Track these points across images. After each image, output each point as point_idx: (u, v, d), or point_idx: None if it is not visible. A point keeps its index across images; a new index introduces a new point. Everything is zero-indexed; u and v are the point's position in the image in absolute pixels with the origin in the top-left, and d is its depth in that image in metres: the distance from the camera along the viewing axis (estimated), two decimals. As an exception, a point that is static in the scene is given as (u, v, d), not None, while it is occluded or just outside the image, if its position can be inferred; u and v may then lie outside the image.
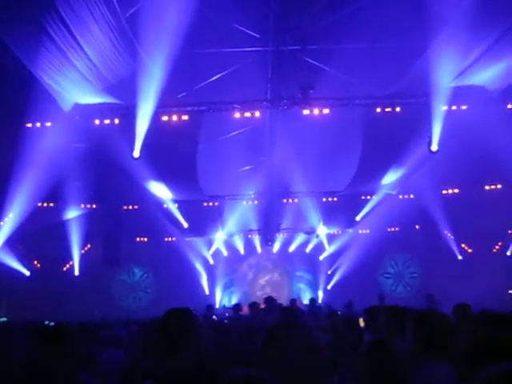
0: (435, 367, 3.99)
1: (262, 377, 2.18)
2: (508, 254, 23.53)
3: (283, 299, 19.12)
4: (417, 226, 24.67)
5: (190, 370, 3.46)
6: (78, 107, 13.83)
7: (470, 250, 24.65)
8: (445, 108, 13.95)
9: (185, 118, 14.59)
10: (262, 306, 12.03)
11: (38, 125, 14.12)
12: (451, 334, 4.14)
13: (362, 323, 6.87)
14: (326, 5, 11.90)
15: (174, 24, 10.91)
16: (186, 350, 3.66)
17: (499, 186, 20.64)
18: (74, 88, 12.90)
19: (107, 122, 14.37)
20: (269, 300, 12.44)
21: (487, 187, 20.77)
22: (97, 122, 14.39)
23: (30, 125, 14.08)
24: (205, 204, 22.17)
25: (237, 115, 14.72)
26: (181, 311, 3.99)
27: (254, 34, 12.79)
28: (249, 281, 27.69)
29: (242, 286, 27.38)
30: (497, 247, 24.46)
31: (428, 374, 3.99)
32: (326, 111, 14.50)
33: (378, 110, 14.70)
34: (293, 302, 14.78)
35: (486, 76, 13.40)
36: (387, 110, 14.63)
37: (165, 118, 14.46)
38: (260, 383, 2.18)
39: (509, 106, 14.52)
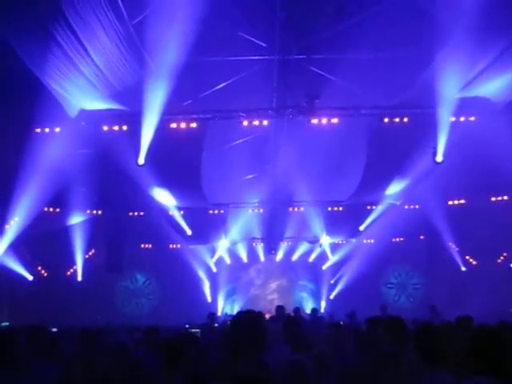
0: (436, 376, 4.00)
1: None
2: (512, 266, 23.40)
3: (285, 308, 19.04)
4: (421, 237, 24.59)
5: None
6: (84, 113, 13.90)
7: (473, 262, 24.52)
8: (450, 119, 13.95)
9: (190, 125, 14.63)
10: (267, 316, 12.00)
11: (45, 130, 14.19)
12: (451, 345, 4.16)
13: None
14: (332, 14, 11.95)
15: (181, 32, 10.97)
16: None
17: (505, 198, 20.58)
18: (81, 94, 12.97)
19: (113, 128, 14.43)
20: (279, 309, 12.44)
21: (493, 198, 20.69)
22: (103, 128, 14.45)
23: (36, 130, 14.15)
24: (209, 212, 22.16)
25: (242, 123, 14.75)
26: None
27: (261, 43, 12.84)
28: (251, 289, 27.63)
29: (245, 295, 27.31)
30: (501, 259, 24.33)
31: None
32: (331, 121, 14.51)
33: (384, 120, 14.70)
34: (296, 310, 14.73)
35: (492, 88, 13.41)
36: (392, 120, 14.64)
37: (170, 126, 14.50)
38: None
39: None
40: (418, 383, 4.10)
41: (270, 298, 27.00)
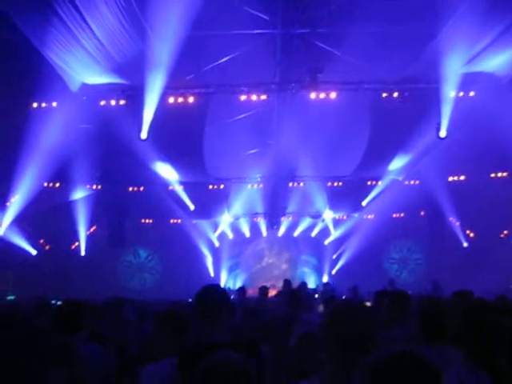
0: (434, 350, 4.03)
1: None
2: (513, 242, 23.46)
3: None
4: (422, 213, 24.62)
5: (229, 340, 3.56)
6: (85, 87, 13.82)
7: (475, 237, 24.60)
8: (454, 94, 13.87)
9: (192, 99, 14.57)
10: (272, 290, 12.12)
11: (46, 104, 14.13)
12: (449, 320, 4.18)
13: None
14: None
15: (183, 5, 10.86)
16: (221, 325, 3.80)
17: (505, 174, 20.55)
18: (82, 68, 12.89)
19: (114, 102, 14.37)
20: (286, 283, 12.56)
21: (493, 175, 20.68)
22: (104, 102, 14.39)
23: (37, 104, 14.09)
24: (211, 186, 22.16)
25: (244, 98, 14.68)
26: (215, 287, 4.22)
27: (264, 17, 12.71)
28: (254, 264, 27.77)
29: (247, 269, 27.46)
30: (502, 235, 24.40)
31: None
32: (334, 95, 14.44)
33: (387, 94, 14.63)
34: (303, 285, 14.79)
35: (496, 63, 13.30)
36: (396, 95, 14.56)
37: (172, 100, 14.44)
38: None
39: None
40: None
41: (272, 272, 27.14)
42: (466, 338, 3.61)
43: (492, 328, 3.54)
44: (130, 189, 21.97)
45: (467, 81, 13.79)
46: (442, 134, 14.04)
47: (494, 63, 13.39)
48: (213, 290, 4.06)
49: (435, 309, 4.34)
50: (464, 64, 13.06)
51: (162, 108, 13.79)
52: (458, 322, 3.75)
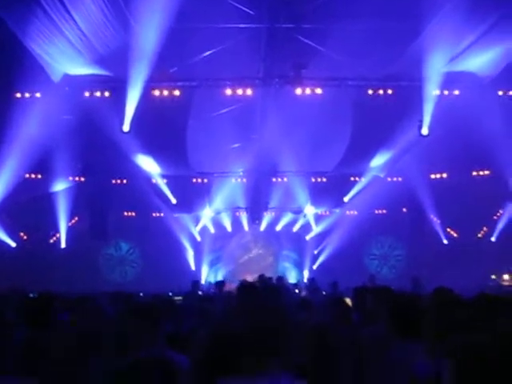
0: (406, 347, 4.08)
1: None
2: (492, 239, 23.73)
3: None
4: (404, 209, 24.80)
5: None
6: (67, 78, 13.69)
7: (455, 235, 24.86)
8: (437, 92, 13.97)
9: (176, 93, 14.51)
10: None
11: (27, 95, 13.98)
12: (423, 316, 4.23)
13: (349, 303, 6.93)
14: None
15: (168, -3, 10.80)
16: None
17: (487, 172, 20.76)
18: (65, 59, 12.77)
19: (97, 94, 14.27)
20: (260, 278, 12.60)
21: (475, 173, 20.88)
22: (87, 93, 14.27)
23: (19, 95, 13.93)
24: (193, 180, 22.09)
25: (228, 92, 14.65)
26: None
27: (249, 11, 12.68)
28: (235, 258, 27.78)
29: (228, 264, 27.47)
30: (482, 232, 24.67)
31: (398, 354, 4.07)
32: (317, 91, 14.47)
33: (370, 91, 14.69)
34: (279, 279, 14.85)
35: (479, 62, 13.43)
36: (379, 92, 14.63)
37: (156, 93, 14.37)
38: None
39: (499, 93, 14.56)
40: (386, 354, 4.19)
41: (253, 267, 27.17)
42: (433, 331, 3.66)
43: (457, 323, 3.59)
44: (113, 181, 21.84)
45: (450, 79, 13.90)
46: (424, 131, 14.15)
47: (476, 63, 13.52)
48: None
49: (404, 305, 4.39)
50: (447, 63, 13.16)
51: (145, 100, 13.72)
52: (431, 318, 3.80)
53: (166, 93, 14.42)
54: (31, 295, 9.31)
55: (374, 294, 5.84)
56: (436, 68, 13.05)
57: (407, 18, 11.74)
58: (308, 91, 14.36)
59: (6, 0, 10.08)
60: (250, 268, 26.86)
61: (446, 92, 14.40)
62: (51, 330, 4.41)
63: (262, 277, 13.10)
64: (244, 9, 12.59)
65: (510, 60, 12.88)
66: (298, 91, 14.34)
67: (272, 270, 26.08)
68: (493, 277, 23.10)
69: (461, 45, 12.58)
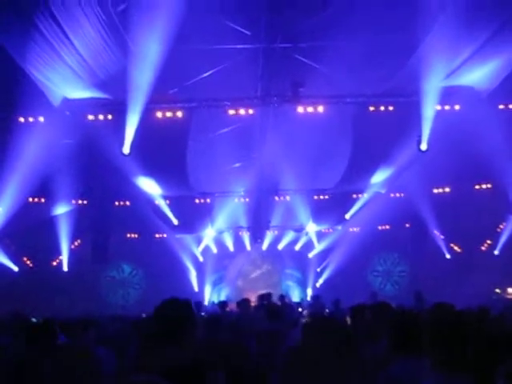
0: (406, 364, 4.05)
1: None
2: (496, 253, 23.65)
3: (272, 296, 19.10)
4: (406, 225, 24.76)
5: (189, 364, 3.39)
6: (67, 102, 13.77)
7: (458, 250, 24.77)
8: (435, 107, 14.01)
9: (176, 114, 14.57)
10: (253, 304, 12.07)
11: (28, 120, 14.06)
12: (424, 333, 4.20)
13: (349, 321, 6.90)
14: (316, 2, 11.90)
15: (166, 20, 10.88)
16: (183, 341, 3.64)
17: (488, 186, 20.75)
18: (64, 83, 12.86)
19: (97, 117, 14.32)
20: (259, 298, 12.53)
21: (477, 186, 20.86)
22: (87, 117, 14.33)
23: (19, 119, 14.01)
24: (195, 201, 22.11)
25: (228, 112, 14.71)
26: (178, 301, 3.89)
27: (245, 32, 12.77)
28: (238, 278, 27.70)
29: (232, 284, 27.39)
30: (485, 246, 24.60)
31: (400, 371, 4.05)
32: (316, 109, 14.51)
33: (369, 108, 14.74)
34: (282, 298, 14.80)
35: (476, 76, 13.48)
36: (378, 108, 14.68)
37: (155, 115, 14.43)
38: None
39: (498, 106, 14.60)
40: (387, 372, 4.16)
41: (256, 286, 27.06)
42: (436, 347, 3.63)
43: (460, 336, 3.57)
44: (115, 204, 21.86)
45: (448, 94, 13.95)
46: (423, 146, 14.17)
47: (474, 76, 13.57)
48: (172, 306, 3.80)
49: (403, 321, 4.37)
50: (444, 77, 13.22)
51: (145, 122, 13.77)
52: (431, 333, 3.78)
53: (165, 114, 14.48)
54: (33, 320, 9.29)
55: (372, 310, 5.82)
56: (434, 83, 13.09)
57: (403, 34, 11.79)
58: (307, 109, 14.41)
59: (4, 25, 10.16)
60: (253, 287, 26.75)
61: (444, 107, 14.43)
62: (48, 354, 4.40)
63: (262, 297, 13.03)
64: (241, 29, 12.68)
65: (508, 73, 12.93)
66: (297, 110, 14.40)
67: (275, 288, 25.98)
68: (497, 290, 22.99)
69: (458, 58, 12.65)
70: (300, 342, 3.94)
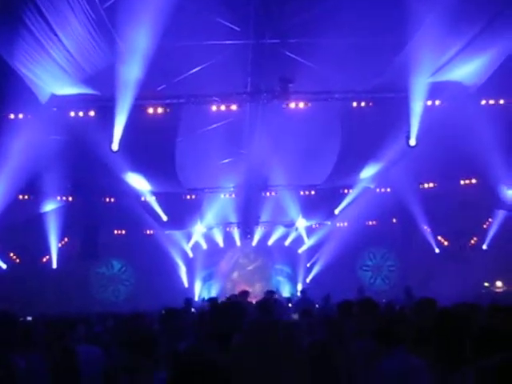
0: (393, 360, 4.09)
1: None
2: (484, 247, 23.84)
3: (262, 292, 19.15)
4: (394, 220, 24.88)
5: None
6: (55, 98, 13.66)
7: (446, 244, 24.93)
8: (423, 103, 14.06)
9: (164, 110, 14.52)
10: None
11: (15, 116, 13.95)
12: (407, 328, 4.26)
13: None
14: (305, -1, 11.93)
15: (154, 16, 10.83)
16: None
17: (474, 181, 20.88)
18: (52, 79, 12.75)
19: (85, 113, 14.24)
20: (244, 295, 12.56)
21: (463, 182, 20.98)
22: (74, 113, 14.24)
23: (7, 116, 13.90)
24: (184, 197, 22.07)
25: (216, 108, 14.68)
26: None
27: (234, 27, 12.76)
28: (228, 274, 27.72)
29: (222, 279, 27.40)
30: (473, 241, 24.78)
31: (386, 368, 4.09)
32: (305, 105, 14.53)
33: (357, 104, 14.77)
34: (269, 294, 14.81)
35: (464, 72, 13.53)
36: (366, 104, 14.71)
37: (144, 111, 14.37)
38: None
39: (485, 102, 14.68)
40: (375, 367, 4.20)
41: (246, 282, 27.10)
42: (436, 343, 3.67)
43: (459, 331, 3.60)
44: (103, 200, 21.77)
45: (436, 90, 13.99)
46: (412, 142, 14.22)
47: (461, 72, 13.62)
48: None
49: (388, 317, 4.41)
50: (432, 73, 13.27)
51: (133, 119, 13.70)
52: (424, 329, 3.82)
53: (154, 110, 14.43)
54: (21, 319, 9.24)
55: (359, 306, 5.86)
56: (422, 78, 13.14)
57: (392, 30, 11.82)
58: (295, 105, 14.42)
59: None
60: (243, 283, 26.79)
61: (432, 102, 14.49)
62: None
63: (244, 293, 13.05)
64: (230, 25, 12.67)
65: (496, 68, 13.00)
66: (286, 105, 14.40)
67: (265, 284, 26.05)
68: (486, 284, 23.19)
69: (446, 55, 12.68)
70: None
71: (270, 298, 12.39)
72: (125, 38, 11.67)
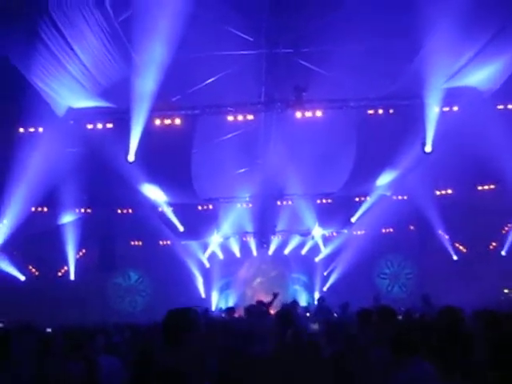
0: (414, 368, 4.06)
1: None
2: (503, 253, 23.59)
3: (280, 301, 19.06)
4: (411, 227, 24.71)
5: (188, 369, 3.50)
6: (71, 111, 13.82)
7: (464, 250, 24.72)
8: (438, 109, 14.00)
9: (179, 121, 14.59)
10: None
11: (32, 130, 14.10)
12: (417, 337, 4.23)
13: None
14: (318, 7, 11.93)
15: (168, 28, 10.93)
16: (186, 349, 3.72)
17: (492, 187, 20.70)
18: (68, 93, 12.90)
19: (101, 126, 14.36)
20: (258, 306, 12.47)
21: (480, 187, 20.81)
22: (91, 126, 14.38)
23: (24, 130, 14.06)
24: (200, 207, 22.11)
25: (231, 118, 14.73)
26: (182, 311, 4.13)
27: (248, 37, 12.82)
28: (245, 284, 27.66)
29: (239, 289, 27.35)
30: (491, 247, 24.53)
31: (402, 379, 4.06)
32: (319, 113, 14.52)
33: (372, 111, 14.73)
34: (293, 304, 14.70)
35: (479, 77, 13.46)
36: (381, 111, 14.67)
37: (159, 122, 14.45)
38: None
39: (501, 107, 14.57)
40: (389, 377, 4.18)
41: (263, 291, 27.01)
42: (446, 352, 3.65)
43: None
44: (119, 211, 21.89)
45: (451, 95, 13.93)
46: (428, 149, 14.15)
47: (476, 77, 13.56)
48: (178, 315, 4.04)
49: (407, 327, 4.40)
50: (447, 79, 13.22)
51: (148, 130, 13.80)
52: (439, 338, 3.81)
53: (169, 122, 14.51)
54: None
55: (378, 315, 5.82)
56: (437, 84, 13.10)
57: (405, 37, 11.82)
58: (310, 114, 14.41)
59: (9, 37, 10.22)
60: (260, 292, 26.71)
61: (447, 108, 14.42)
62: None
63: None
64: (243, 36, 12.73)
65: (510, 73, 12.92)
66: (300, 114, 14.40)
67: (283, 293, 25.93)
68: (505, 291, 22.91)
69: (460, 60, 12.64)
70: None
71: (291, 309, 12.34)
72: (139, 51, 11.78)
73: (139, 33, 11.11)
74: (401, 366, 4.20)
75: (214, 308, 25.24)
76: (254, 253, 26.91)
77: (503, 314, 6.12)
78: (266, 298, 14.76)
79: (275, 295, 12.65)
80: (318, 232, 24.44)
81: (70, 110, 13.76)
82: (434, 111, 13.86)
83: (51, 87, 12.24)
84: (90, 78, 12.26)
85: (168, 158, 16.46)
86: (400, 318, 7.84)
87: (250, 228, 24.69)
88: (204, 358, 4.05)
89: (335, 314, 14.65)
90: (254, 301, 19.84)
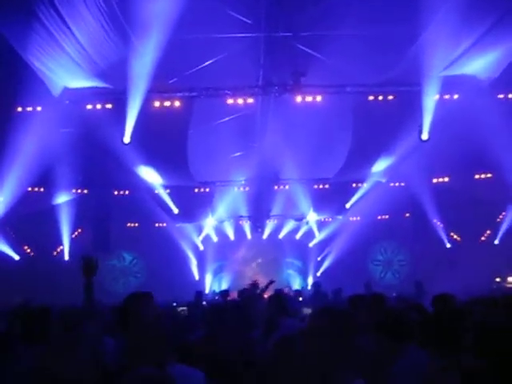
0: (408, 359, 4.07)
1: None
2: (496, 242, 23.69)
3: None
4: (406, 214, 24.77)
5: None
6: (67, 91, 13.73)
7: (458, 239, 24.81)
8: (436, 97, 13.97)
9: (176, 103, 14.53)
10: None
11: (28, 109, 14.01)
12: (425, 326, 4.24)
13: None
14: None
15: (166, 9, 10.84)
16: None
17: (489, 175, 20.71)
18: (64, 72, 12.82)
19: (98, 106, 14.29)
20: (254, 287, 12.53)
21: (477, 176, 20.82)
22: (87, 106, 14.30)
23: (19, 109, 13.97)
24: (195, 190, 22.11)
25: (228, 101, 14.68)
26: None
27: (246, 20, 12.73)
28: (238, 267, 27.74)
29: (232, 272, 27.43)
30: (485, 236, 24.63)
31: (402, 366, 4.07)
32: (317, 98, 14.48)
33: (370, 97, 14.70)
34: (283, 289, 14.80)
35: (478, 65, 13.43)
36: (379, 97, 14.64)
37: (156, 104, 14.40)
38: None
39: (499, 96, 14.55)
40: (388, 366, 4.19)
41: (257, 275, 27.10)
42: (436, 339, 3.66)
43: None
44: (115, 193, 21.87)
45: (449, 83, 13.89)
46: (424, 136, 14.14)
47: (475, 65, 13.52)
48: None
49: (395, 316, 4.40)
50: (446, 67, 13.18)
51: (145, 112, 13.74)
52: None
53: (166, 103, 14.45)
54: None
55: (367, 302, 5.85)
56: (435, 72, 13.06)
57: (405, 23, 11.75)
58: (307, 99, 14.38)
59: (5, 15, 10.12)
60: (254, 276, 26.78)
61: (445, 96, 14.39)
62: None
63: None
64: (242, 18, 12.64)
65: (510, 61, 12.88)
66: (298, 99, 14.36)
67: (276, 277, 25.99)
68: (497, 279, 23.04)
69: (459, 48, 12.59)
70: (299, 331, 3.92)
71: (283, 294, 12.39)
72: (137, 31, 11.69)
73: (137, 13, 11.02)
74: (397, 354, 4.20)
75: (207, 291, 25.33)
76: (249, 236, 26.97)
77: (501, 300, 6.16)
78: (263, 280, 14.85)
79: (271, 282, 12.69)
80: (312, 217, 24.48)
81: (66, 89, 13.67)
82: (431, 99, 13.83)
83: (47, 66, 12.16)
84: (87, 57, 12.18)
85: (164, 140, 16.41)
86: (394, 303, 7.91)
87: (244, 212, 24.73)
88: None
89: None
90: (246, 285, 19.95)
